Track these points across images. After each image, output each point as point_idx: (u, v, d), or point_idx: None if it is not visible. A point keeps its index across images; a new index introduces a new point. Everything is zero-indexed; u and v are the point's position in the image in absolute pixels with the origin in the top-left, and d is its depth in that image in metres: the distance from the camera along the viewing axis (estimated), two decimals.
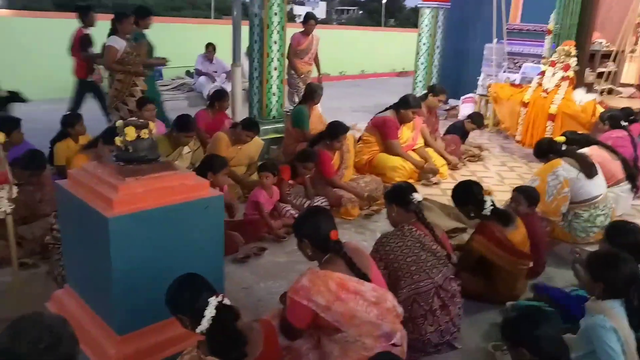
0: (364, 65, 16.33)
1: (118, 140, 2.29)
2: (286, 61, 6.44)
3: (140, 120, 2.37)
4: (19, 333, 1.38)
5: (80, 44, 6.24)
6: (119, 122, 2.34)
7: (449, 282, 2.79)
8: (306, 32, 7.38)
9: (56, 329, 1.42)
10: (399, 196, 2.90)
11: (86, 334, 2.37)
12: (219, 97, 5.57)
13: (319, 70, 7.84)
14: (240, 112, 6.19)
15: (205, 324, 1.79)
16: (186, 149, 4.66)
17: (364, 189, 4.73)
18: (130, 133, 2.27)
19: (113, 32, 5.33)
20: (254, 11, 5.96)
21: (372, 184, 4.90)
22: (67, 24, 10.18)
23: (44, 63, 9.59)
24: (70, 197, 2.35)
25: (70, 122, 4.56)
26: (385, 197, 3.09)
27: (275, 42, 6.01)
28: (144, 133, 2.32)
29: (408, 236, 2.77)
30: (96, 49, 6.24)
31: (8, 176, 2.03)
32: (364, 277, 2.28)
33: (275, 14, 5.94)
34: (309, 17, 7.49)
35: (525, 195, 3.50)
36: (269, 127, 6.16)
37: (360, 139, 5.54)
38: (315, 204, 4.47)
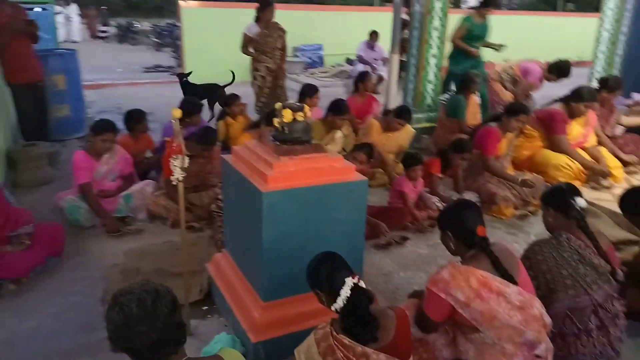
0: (534, 53, 15.04)
1: (276, 121, 2.45)
2: (446, 49, 6.21)
3: (297, 104, 2.51)
4: (150, 302, 1.50)
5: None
6: (278, 105, 2.50)
7: (612, 301, 2.46)
8: None
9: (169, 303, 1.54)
10: (557, 199, 2.61)
11: (236, 296, 2.62)
12: (361, 79, 5.70)
13: None
14: (395, 100, 6.18)
15: (339, 302, 1.84)
16: (339, 134, 4.80)
17: (521, 189, 4.40)
18: (287, 115, 2.41)
19: (255, 19, 5.90)
20: None
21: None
22: (244, 14, 11.10)
23: (221, 50, 10.53)
24: (233, 171, 2.59)
25: (227, 103, 5.00)
26: (541, 198, 2.81)
27: (436, 29, 5.85)
28: (300, 116, 2.44)
29: (565, 246, 2.49)
30: None
31: (182, 147, 2.29)
32: (510, 279, 2.14)
33: None
34: None
35: None
36: (422, 115, 6.05)
37: (521, 132, 5.16)
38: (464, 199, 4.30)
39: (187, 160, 2.33)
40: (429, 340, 2.30)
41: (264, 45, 5.88)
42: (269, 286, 2.41)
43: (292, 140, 2.45)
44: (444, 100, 6.00)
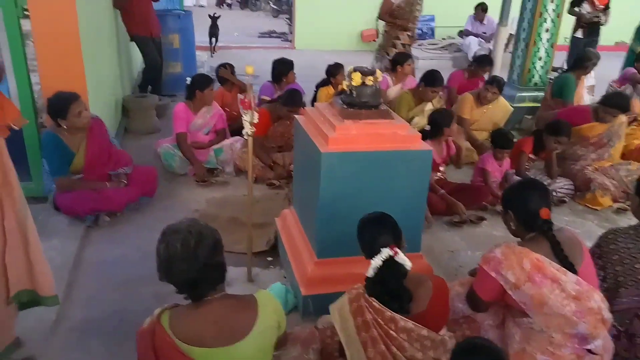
0: None
1: (345, 84, 2.47)
2: (562, 22, 5.68)
3: (368, 68, 2.50)
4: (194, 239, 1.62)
5: None
6: (350, 68, 2.51)
7: None
8: None
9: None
10: None
11: (295, 250, 2.74)
12: (479, 62, 5.42)
13: None
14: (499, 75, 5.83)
15: (370, 271, 1.85)
16: (429, 106, 4.66)
17: (623, 179, 4.00)
18: (356, 78, 2.42)
19: None
20: None
21: (635, 173, 4.10)
22: None
23: (329, 19, 10.55)
24: (301, 131, 2.67)
25: (332, 72, 5.05)
26: (636, 186, 2.54)
27: (552, 1, 5.38)
28: (369, 80, 2.44)
29: None
30: None
31: (252, 103, 2.40)
32: (570, 267, 2.01)
33: None
34: None
35: None
36: (527, 94, 5.66)
37: (635, 120, 4.65)
38: (557, 184, 4.02)
39: (256, 115, 2.44)
40: (476, 319, 2.26)
41: (409, 13, 5.63)
42: (322, 243, 2.49)
43: (359, 104, 2.46)
44: (551, 79, 5.55)
